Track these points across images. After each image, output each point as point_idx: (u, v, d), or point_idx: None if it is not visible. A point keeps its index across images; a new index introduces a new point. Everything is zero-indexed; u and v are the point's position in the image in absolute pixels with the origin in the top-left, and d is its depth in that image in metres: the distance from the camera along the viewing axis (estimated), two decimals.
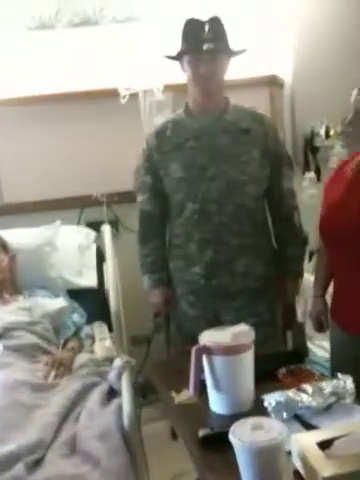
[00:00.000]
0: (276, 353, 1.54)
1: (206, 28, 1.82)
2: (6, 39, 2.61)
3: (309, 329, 2.19)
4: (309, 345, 2.32)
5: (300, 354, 1.54)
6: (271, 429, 0.96)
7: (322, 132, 2.66)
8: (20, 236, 2.39)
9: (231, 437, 0.97)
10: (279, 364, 1.43)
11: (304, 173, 2.74)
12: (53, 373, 1.79)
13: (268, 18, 2.72)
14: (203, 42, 1.80)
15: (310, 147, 2.77)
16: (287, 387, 1.27)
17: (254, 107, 1.98)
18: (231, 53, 1.88)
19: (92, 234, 2.59)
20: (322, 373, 1.75)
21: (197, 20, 1.84)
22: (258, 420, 1.00)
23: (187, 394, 1.34)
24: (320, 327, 1.75)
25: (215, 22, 1.84)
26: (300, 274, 2.03)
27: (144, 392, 2.52)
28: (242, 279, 1.92)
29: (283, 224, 1.99)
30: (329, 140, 2.65)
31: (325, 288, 1.75)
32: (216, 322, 1.88)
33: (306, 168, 2.78)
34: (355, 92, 1.49)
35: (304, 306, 2.41)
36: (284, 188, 1.97)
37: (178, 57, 1.89)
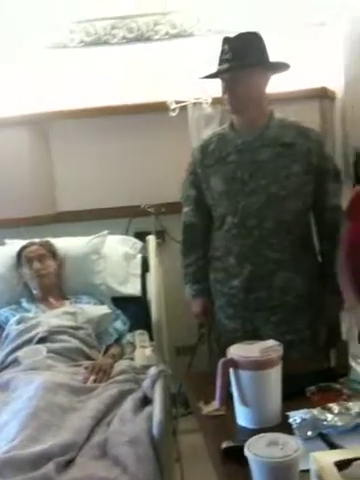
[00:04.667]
0: (309, 371, 1.51)
1: (226, 47, 1.83)
2: (61, 53, 2.73)
3: (353, 347, 2.14)
4: (352, 363, 2.26)
5: (334, 374, 1.51)
6: (286, 446, 0.96)
7: None
8: (70, 244, 2.49)
9: (246, 451, 0.97)
10: (311, 382, 1.41)
11: (354, 186, 2.68)
12: (92, 378, 1.84)
13: (317, 29, 2.70)
14: (221, 62, 1.83)
15: None
16: (314, 405, 1.25)
17: (300, 121, 1.97)
18: (257, 66, 1.82)
19: (138, 244, 2.65)
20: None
21: (224, 38, 1.85)
22: (275, 436, 1.00)
23: (215, 406, 1.35)
24: None
25: (237, 39, 1.82)
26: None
27: (187, 402, 2.54)
28: (281, 294, 1.91)
29: (327, 240, 1.96)
30: None
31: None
32: (254, 336, 1.87)
33: (357, 182, 2.72)
34: None
35: (349, 323, 2.35)
36: (329, 204, 1.95)
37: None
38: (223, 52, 1.83)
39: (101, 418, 1.57)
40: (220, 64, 1.84)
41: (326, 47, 2.73)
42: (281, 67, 1.89)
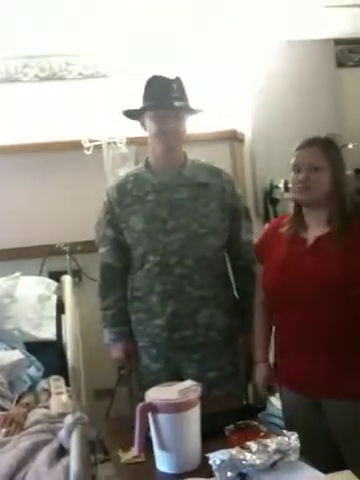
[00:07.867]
0: (227, 409, 1.52)
1: (174, 86, 1.90)
2: None
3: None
4: (269, 397, 2.30)
5: (252, 410, 1.53)
6: None
7: (281, 185, 2.75)
8: None
9: None
10: (230, 420, 1.41)
11: (264, 223, 2.80)
12: (3, 431, 1.73)
13: (228, 74, 2.84)
14: (172, 100, 1.88)
15: (270, 199, 2.85)
16: (233, 444, 1.25)
17: (211, 162, 2.03)
18: (192, 112, 1.96)
19: (53, 285, 2.57)
20: (279, 426, 1.74)
21: (163, 78, 1.92)
22: None
23: (134, 452, 1.31)
24: (270, 391, 1.76)
25: (179, 81, 1.93)
26: None
27: (106, 448, 2.45)
28: (205, 331, 1.92)
29: (243, 276, 2.01)
30: (288, 192, 2.73)
31: (267, 352, 1.76)
32: (177, 376, 1.86)
33: (266, 219, 2.85)
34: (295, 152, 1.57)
35: None
36: (243, 240, 2.01)
37: (139, 113, 1.94)
38: (169, 90, 1.88)
39: (14, 474, 1.47)
40: (164, 101, 1.87)
41: (237, 92, 2.87)
42: (198, 112, 1.99)
